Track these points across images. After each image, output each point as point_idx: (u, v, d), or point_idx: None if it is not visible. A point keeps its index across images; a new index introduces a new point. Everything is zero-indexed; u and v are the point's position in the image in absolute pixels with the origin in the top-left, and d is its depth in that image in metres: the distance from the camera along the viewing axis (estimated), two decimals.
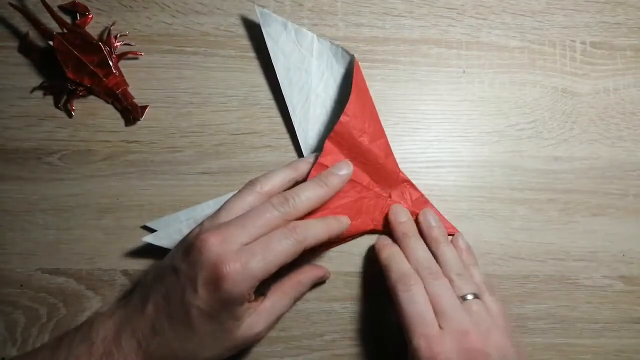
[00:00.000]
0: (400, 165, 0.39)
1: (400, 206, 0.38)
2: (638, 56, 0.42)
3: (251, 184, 0.34)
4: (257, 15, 0.38)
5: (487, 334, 0.32)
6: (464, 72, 0.41)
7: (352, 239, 0.39)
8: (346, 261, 0.39)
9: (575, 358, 0.39)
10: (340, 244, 0.39)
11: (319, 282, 0.39)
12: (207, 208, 0.38)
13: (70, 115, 0.40)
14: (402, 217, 0.37)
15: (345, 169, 0.35)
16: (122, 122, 0.40)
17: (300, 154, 0.40)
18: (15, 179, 0.39)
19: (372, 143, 0.36)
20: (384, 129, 0.38)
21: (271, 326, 0.34)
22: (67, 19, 0.41)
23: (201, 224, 0.33)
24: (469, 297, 0.33)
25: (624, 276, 0.39)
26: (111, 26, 0.40)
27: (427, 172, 0.40)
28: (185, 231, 0.37)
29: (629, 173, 0.41)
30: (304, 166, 0.36)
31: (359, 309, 0.39)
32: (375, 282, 0.39)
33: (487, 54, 0.42)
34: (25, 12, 0.40)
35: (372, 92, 0.40)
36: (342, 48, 0.38)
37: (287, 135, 0.40)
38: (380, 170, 0.37)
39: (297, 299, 0.37)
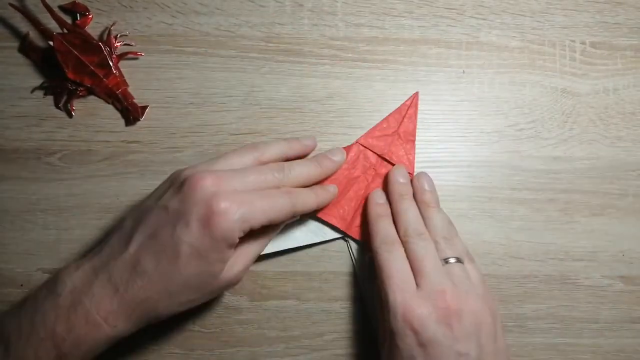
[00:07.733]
0: None
1: (402, 167, 0.39)
2: (638, 56, 0.42)
3: (253, 147, 0.34)
4: None
5: (465, 295, 0.32)
6: (463, 72, 0.42)
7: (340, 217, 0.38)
8: (346, 261, 0.39)
9: (575, 358, 0.39)
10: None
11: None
12: None
13: (70, 116, 0.40)
14: (401, 178, 0.38)
15: (339, 156, 0.37)
16: (122, 122, 0.40)
17: None
18: (15, 179, 0.39)
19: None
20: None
21: (248, 267, 0.33)
22: (68, 19, 0.41)
23: (195, 166, 0.32)
24: (452, 260, 0.34)
25: (623, 276, 0.40)
26: (111, 26, 0.41)
27: (427, 172, 0.40)
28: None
29: (628, 173, 0.41)
30: (297, 145, 0.37)
31: (359, 309, 0.39)
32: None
33: (487, 54, 0.42)
34: (25, 13, 0.40)
35: (372, 92, 0.40)
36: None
37: (287, 136, 0.40)
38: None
39: (270, 238, 0.35)
